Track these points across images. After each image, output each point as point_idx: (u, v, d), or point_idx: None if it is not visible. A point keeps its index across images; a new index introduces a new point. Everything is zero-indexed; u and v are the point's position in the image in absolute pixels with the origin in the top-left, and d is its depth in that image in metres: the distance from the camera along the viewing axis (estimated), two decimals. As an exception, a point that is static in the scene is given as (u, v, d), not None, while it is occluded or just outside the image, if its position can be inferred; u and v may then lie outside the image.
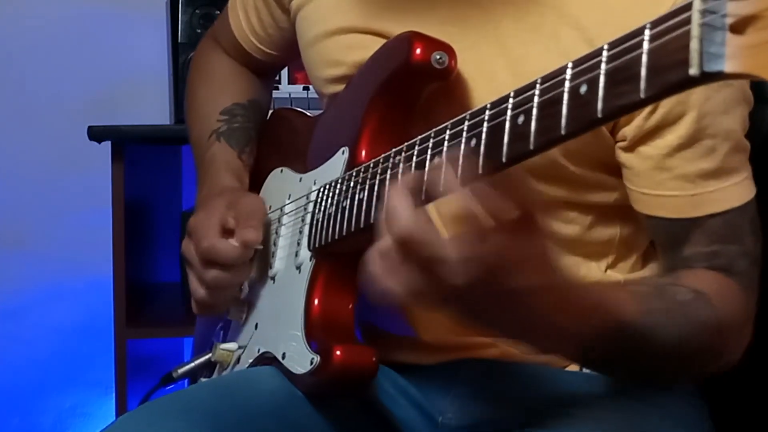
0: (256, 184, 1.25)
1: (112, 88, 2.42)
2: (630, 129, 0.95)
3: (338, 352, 0.97)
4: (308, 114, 1.28)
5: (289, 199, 1.16)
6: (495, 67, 1.00)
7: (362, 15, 1.10)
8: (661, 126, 0.94)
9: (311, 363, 0.99)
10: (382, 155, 0.92)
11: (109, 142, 2.01)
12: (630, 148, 0.96)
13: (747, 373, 0.95)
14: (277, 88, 2.09)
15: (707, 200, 0.95)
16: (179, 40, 2.13)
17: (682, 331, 0.87)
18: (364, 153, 1.03)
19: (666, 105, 0.93)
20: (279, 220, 1.17)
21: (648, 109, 0.94)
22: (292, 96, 2.12)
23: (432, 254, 0.70)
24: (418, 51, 0.99)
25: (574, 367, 1.07)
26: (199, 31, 2.11)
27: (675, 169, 0.95)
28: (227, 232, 1.11)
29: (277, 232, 1.16)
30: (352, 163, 1.04)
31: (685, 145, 0.94)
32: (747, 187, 0.96)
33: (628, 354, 0.85)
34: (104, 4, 2.41)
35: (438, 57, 0.99)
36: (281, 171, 1.22)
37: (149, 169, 2.30)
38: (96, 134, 1.99)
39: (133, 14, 2.41)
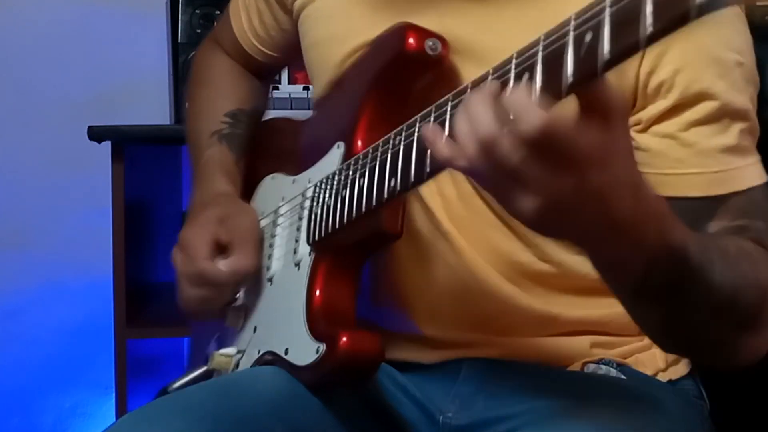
0: (247, 194, 1.25)
1: (112, 88, 2.42)
2: (645, 113, 0.96)
3: (345, 339, 0.97)
4: (294, 119, 1.29)
5: (282, 201, 1.16)
6: (496, 61, 1.00)
7: (363, 15, 1.10)
8: (677, 106, 0.95)
9: (317, 352, 0.99)
10: (381, 140, 0.93)
11: (109, 142, 2.01)
12: (645, 129, 0.97)
13: (747, 373, 0.95)
14: (277, 88, 2.09)
15: (730, 177, 0.95)
16: (179, 40, 2.13)
17: (735, 279, 0.85)
18: (360, 145, 1.04)
19: (680, 84, 0.94)
20: (273, 223, 1.17)
21: (663, 89, 0.95)
22: (292, 96, 2.12)
23: (573, 144, 0.68)
24: (411, 40, 1.00)
25: (574, 367, 1.07)
26: (199, 31, 2.11)
27: (695, 144, 0.95)
28: (220, 248, 1.12)
29: (272, 235, 1.16)
30: (348, 156, 1.04)
31: (702, 122, 0.95)
32: (762, 169, 0.97)
33: (686, 288, 0.82)
34: (104, 4, 2.41)
35: (431, 44, 1.00)
36: (272, 177, 1.22)
37: (149, 169, 2.29)
38: (96, 134, 1.99)
39: (133, 14, 2.41)
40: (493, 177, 0.72)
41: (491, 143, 0.70)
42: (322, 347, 0.99)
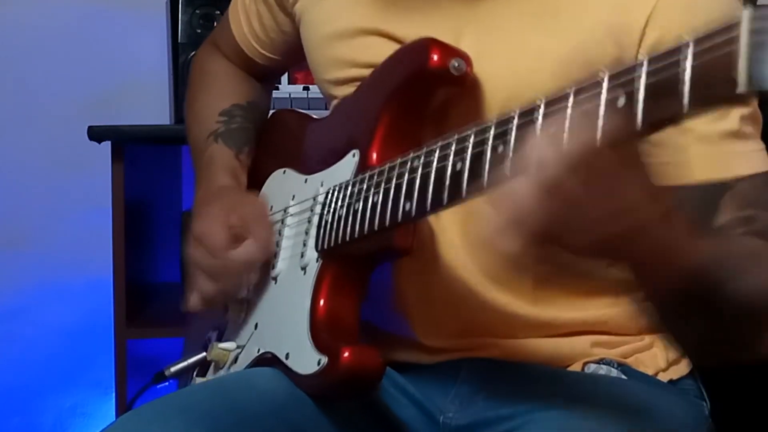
0: (256, 185, 1.25)
1: (112, 88, 2.41)
2: None
3: (346, 354, 0.97)
4: (309, 115, 1.28)
5: (293, 200, 1.16)
6: (495, 53, 1.01)
7: (367, 15, 1.10)
8: None
9: (318, 364, 0.99)
10: (399, 159, 0.92)
11: (109, 142, 2.01)
12: None
13: (747, 374, 0.95)
14: (277, 88, 2.08)
15: (734, 162, 0.95)
16: (179, 40, 2.12)
17: (758, 279, 0.85)
18: (375, 156, 1.03)
19: None
20: (282, 221, 1.17)
21: None
22: (292, 96, 2.12)
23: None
24: (435, 57, 0.99)
25: (575, 367, 1.07)
26: (199, 31, 2.11)
27: (694, 130, 0.94)
28: (234, 236, 1.11)
29: (280, 233, 1.16)
30: (362, 166, 1.04)
31: None
32: (766, 157, 0.97)
33: (721, 293, 0.82)
34: (104, 5, 2.41)
35: (456, 64, 0.99)
36: (284, 172, 1.22)
37: (149, 169, 2.29)
38: (96, 134, 1.99)
39: (133, 14, 2.41)
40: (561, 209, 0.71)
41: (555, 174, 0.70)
42: (324, 359, 0.99)
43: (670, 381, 1.09)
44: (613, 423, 0.95)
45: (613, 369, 1.06)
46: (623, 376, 1.06)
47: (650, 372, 1.08)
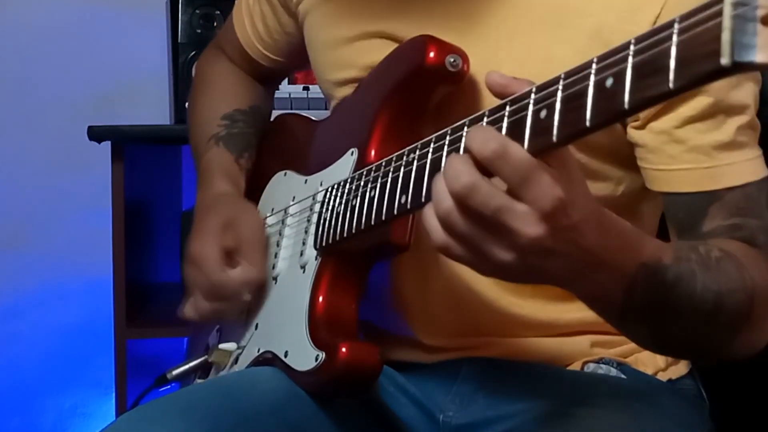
0: (258, 188, 1.25)
1: (112, 88, 2.42)
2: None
3: (344, 349, 0.97)
4: (311, 118, 1.28)
5: (293, 200, 1.16)
6: (501, 58, 1.01)
7: (370, 16, 1.10)
8: (672, 101, 0.94)
9: (316, 360, 0.99)
10: (395, 154, 0.92)
11: (109, 142, 2.01)
12: (642, 126, 0.97)
13: (747, 373, 0.95)
14: (277, 88, 2.09)
15: (724, 173, 0.95)
16: (179, 40, 2.13)
17: (719, 285, 0.86)
18: (373, 154, 1.03)
19: None
20: (282, 221, 1.17)
21: None
22: (292, 96, 2.12)
23: (501, 205, 0.71)
24: (432, 54, 1.00)
25: (575, 367, 1.08)
26: (199, 31, 2.11)
27: (688, 141, 0.95)
28: (228, 255, 1.12)
29: (280, 233, 1.16)
30: (361, 164, 1.04)
31: (697, 118, 0.95)
32: (762, 164, 0.97)
33: (667, 302, 0.84)
34: (104, 5, 2.41)
35: (452, 60, 0.99)
36: (285, 174, 1.22)
37: (149, 169, 2.29)
38: (96, 134, 1.99)
39: (133, 14, 2.41)
40: (469, 232, 0.73)
41: (467, 193, 0.71)
42: (322, 355, 0.99)
43: (669, 380, 1.09)
44: (612, 422, 0.95)
45: (612, 368, 1.06)
46: (623, 376, 1.06)
47: (649, 371, 1.08)
